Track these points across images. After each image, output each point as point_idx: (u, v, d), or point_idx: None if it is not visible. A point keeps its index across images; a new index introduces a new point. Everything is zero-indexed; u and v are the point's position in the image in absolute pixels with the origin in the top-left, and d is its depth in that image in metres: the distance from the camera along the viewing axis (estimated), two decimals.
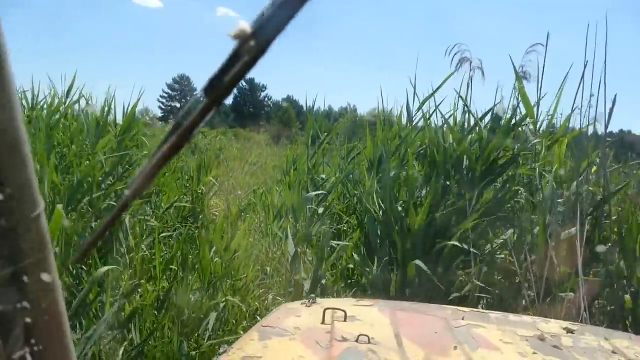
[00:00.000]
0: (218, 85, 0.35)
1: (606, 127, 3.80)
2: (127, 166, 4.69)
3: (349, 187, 5.30)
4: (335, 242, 4.38)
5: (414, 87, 4.79)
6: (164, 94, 58.46)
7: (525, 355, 1.33)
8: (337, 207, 5.19)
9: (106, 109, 5.21)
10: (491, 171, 4.07)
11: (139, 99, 5.37)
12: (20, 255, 0.42)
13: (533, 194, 3.92)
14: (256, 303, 3.66)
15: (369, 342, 1.30)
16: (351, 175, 5.65)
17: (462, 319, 1.58)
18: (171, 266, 3.43)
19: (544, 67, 4.07)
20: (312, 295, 1.70)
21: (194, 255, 3.57)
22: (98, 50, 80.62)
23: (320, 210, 4.83)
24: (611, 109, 3.65)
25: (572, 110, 4.04)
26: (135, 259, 3.42)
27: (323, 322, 1.43)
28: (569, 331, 1.57)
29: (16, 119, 0.40)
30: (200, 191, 5.82)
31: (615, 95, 3.66)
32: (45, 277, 0.43)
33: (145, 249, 3.71)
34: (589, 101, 3.81)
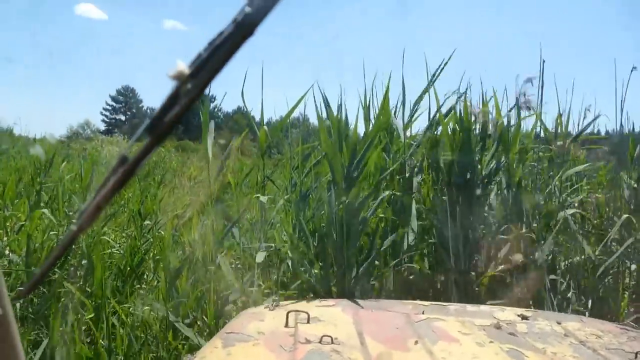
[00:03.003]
0: (159, 125, 0.36)
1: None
2: None
3: (306, 217, 3.42)
4: None
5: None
6: (108, 107, 55.44)
7: (482, 345, 1.37)
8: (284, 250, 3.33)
9: None
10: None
11: None
12: None
13: None
14: None
15: (333, 343, 1.30)
16: (310, 196, 3.80)
17: (422, 313, 1.61)
18: None
19: None
20: (275, 298, 1.68)
21: None
22: (40, 63, 76.03)
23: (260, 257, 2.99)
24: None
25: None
26: None
27: (287, 325, 1.42)
28: (524, 318, 1.63)
29: None
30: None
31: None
32: None
33: None
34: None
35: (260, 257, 3.02)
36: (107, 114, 55.21)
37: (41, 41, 78.30)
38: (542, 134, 3.88)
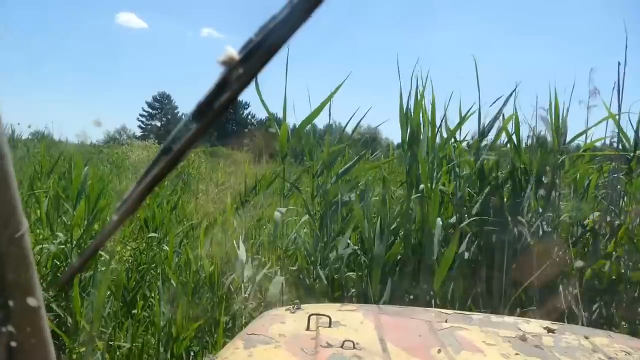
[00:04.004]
0: (207, 111, 0.35)
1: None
2: None
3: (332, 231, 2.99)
4: None
5: None
6: (144, 113, 56.70)
7: (507, 357, 1.34)
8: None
9: None
10: None
11: None
12: (3, 277, 0.41)
13: None
14: None
15: (354, 348, 1.30)
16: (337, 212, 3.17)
17: (446, 321, 1.59)
18: None
19: None
20: (297, 301, 1.65)
21: None
22: (82, 71, 78.47)
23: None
24: None
25: None
26: None
27: (308, 328, 1.42)
28: (550, 331, 1.59)
29: None
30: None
31: None
32: (31, 301, 0.43)
33: None
34: None
35: (275, 285, 2.68)
36: (144, 119, 56.49)
37: (84, 50, 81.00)
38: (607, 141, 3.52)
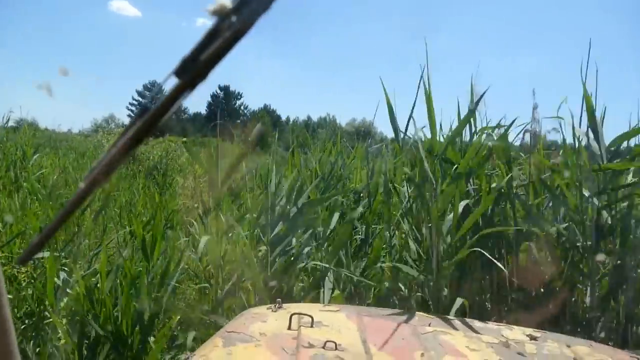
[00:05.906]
0: (193, 66, 0.30)
1: None
2: None
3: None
4: None
5: None
6: (134, 102, 56.10)
7: None
8: None
9: None
10: None
11: None
12: None
13: None
14: None
15: (336, 349, 1.28)
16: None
17: (429, 325, 1.58)
18: None
19: None
20: (279, 299, 1.60)
21: None
22: (73, 58, 77.44)
23: None
24: None
25: None
26: None
27: (289, 327, 1.40)
28: (533, 338, 1.59)
29: None
30: None
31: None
32: None
33: None
34: None
35: None
36: (133, 108, 55.97)
37: (75, 35, 79.99)
38: None
